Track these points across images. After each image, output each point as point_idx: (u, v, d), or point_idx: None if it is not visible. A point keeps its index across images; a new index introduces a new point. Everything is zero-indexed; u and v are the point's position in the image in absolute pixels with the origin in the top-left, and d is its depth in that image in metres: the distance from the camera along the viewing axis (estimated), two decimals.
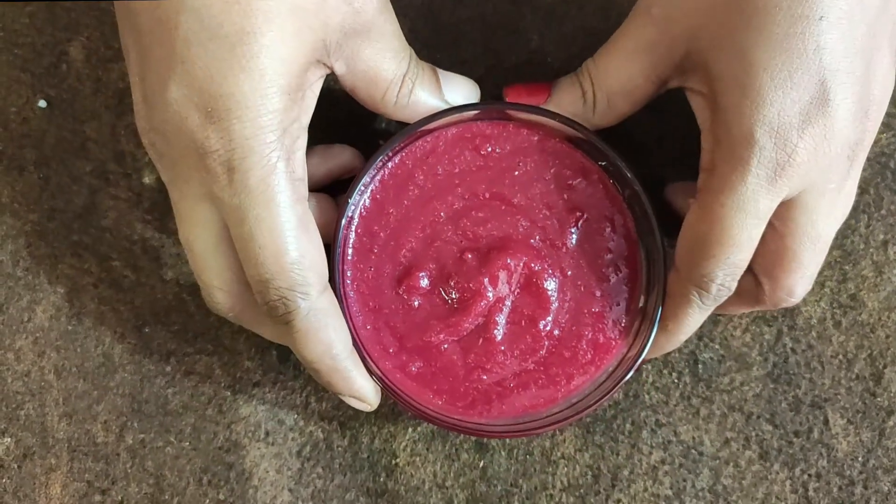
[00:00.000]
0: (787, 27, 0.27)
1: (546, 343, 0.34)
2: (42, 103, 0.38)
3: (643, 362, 0.34)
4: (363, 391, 0.32)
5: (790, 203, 0.30)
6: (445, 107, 0.33)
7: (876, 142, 0.38)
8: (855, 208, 0.38)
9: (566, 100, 0.34)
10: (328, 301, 0.31)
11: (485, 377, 0.34)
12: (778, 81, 0.28)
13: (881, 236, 0.38)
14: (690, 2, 0.30)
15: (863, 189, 0.38)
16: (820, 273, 0.38)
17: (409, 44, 0.39)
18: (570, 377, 0.34)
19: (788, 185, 0.29)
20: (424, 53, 0.38)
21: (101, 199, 0.38)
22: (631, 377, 0.33)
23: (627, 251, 0.35)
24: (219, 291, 0.30)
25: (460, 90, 0.34)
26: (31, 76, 0.38)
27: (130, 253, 0.38)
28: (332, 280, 0.32)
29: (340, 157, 0.35)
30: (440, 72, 0.34)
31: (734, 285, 0.31)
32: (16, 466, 0.36)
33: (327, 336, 0.30)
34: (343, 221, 0.33)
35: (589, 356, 0.34)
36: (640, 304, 0.34)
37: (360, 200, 0.34)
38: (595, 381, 0.34)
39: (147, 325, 0.38)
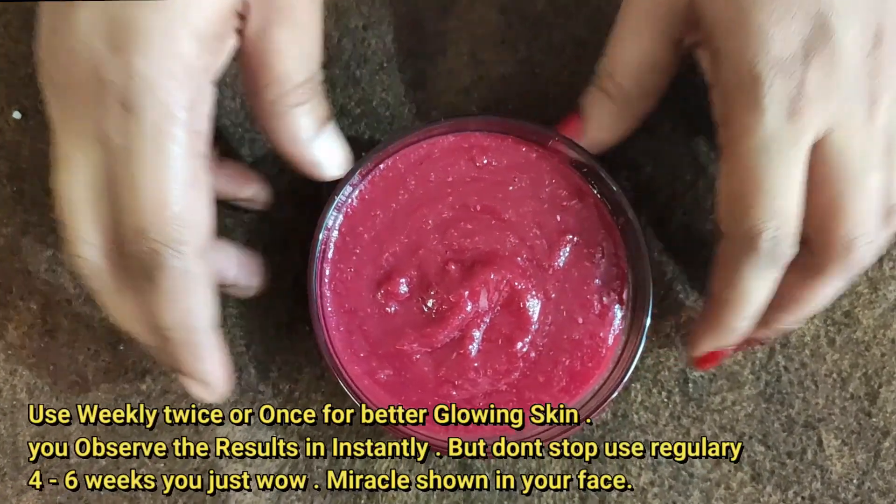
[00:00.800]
0: None
1: (521, 365, 0.34)
2: (16, 115, 0.38)
3: (626, 385, 0.33)
4: (210, 375, 0.30)
5: (821, 145, 0.29)
6: (307, 148, 0.31)
7: None
8: None
9: (597, 111, 0.34)
10: (201, 268, 0.29)
11: (454, 393, 0.34)
12: (775, 17, 0.28)
13: None
14: None
15: None
16: None
17: (395, 52, 0.38)
18: (541, 404, 0.34)
19: (810, 122, 0.28)
20: (409, 63, 0.38)
21: None
22: (607, 406, 0.33)
23: (616, 281, 0.34)
24: (86, 245, 0.29)
25: (332, 153, 0.32)
26: (5, 87, 0.37)
27: None
28: (308, 278, 0.32)
29: (250, 181, 0.35)
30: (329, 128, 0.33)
31: (790, 241, 0.29)
32: None
33: (189, 303, 0.29)
34: (327, 219, 0.33)
35: (563, 384, 0.34)
36: (623, 340, 0.34)
37: (346, 199, 0.34)
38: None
39: (122, 343, 0.37)
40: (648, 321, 0.33)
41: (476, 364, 0.34)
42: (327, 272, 0.34)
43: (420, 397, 0.34)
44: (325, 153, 0.32)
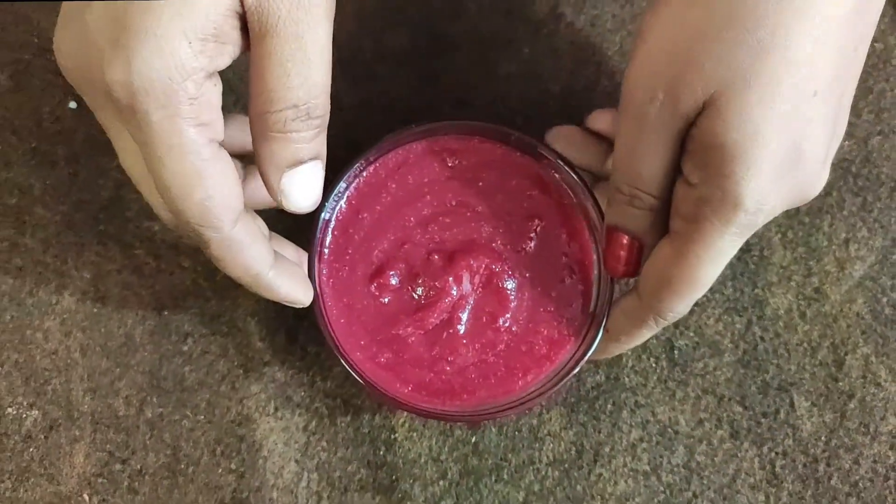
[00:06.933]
0: (794, 103, 0.28)
1: (505, 337, 0.36)
2: (72, 104, 0.40)
3: (588, 360, 0.36)
4: (291, 296, 0.33)
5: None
6: (276, 175, 0.30)
7: (840, 148, 0.41)
8: (819, 209, 0.41)
9: (633, 224, 0.33)
10: (243, 232, 0.30)
11: (448, 368, 0.36)
12: (778, 158, 0.28)
13: (843, 235, 0.41)
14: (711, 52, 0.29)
15: (826, 192, 0.41)
16: (786, 267, 0.41)
17: (410, 51, 0.40)
18: (526, 370, 0.36)
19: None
20: (422, 63, 0.41)
21: (126, 192, 0.40)
22: (579, 371, 0.35)
23: (581, 256, 0.37)
24: (161, 210, 0.30)
25: (303, 192, 0.31)
26: (62, 79, 0.39)
27: (152, 242, 0.39)
28: (310, 277, 0.34)
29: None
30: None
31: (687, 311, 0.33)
32: (42, 437, 0.38)
33: (244, 260, 0.30)
34: (320, 224, 0.35)
35: (544, 350, 0.36)
36: (591, 307, 0.37)
37: (336, 205, 0.37)
38: (549, 374, 0.36)
39: (166, 308, 0.39)
40: (611, 288, 0.36)
41: (465, 340, 0.36)
42: (324, 271, 0.36)
43: (418, 375, 0.36)
44: (296, 189, 0.30)
